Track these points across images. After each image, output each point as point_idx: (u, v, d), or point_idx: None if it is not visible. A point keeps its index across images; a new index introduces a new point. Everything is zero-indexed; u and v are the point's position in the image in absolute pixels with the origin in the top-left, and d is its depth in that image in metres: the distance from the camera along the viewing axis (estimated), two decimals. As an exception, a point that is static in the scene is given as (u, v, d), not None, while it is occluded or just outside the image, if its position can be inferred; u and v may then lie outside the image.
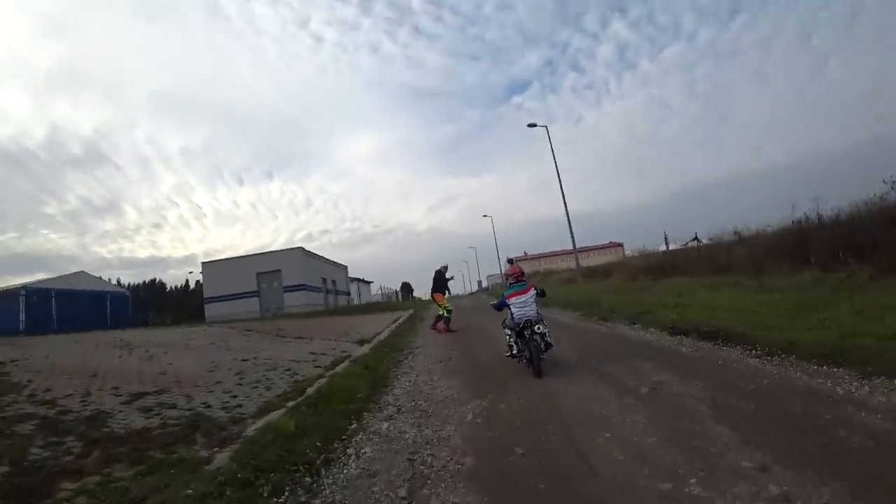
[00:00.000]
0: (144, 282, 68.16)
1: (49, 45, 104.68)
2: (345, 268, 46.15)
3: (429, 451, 3.69)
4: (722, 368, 4.89)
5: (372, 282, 62.92)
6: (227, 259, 34.33)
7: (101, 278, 42.57)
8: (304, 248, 34.53)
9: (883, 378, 3.75)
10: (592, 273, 26.66)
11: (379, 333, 13.35)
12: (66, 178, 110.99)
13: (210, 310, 32.10)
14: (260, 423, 4.77)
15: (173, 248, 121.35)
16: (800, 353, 4.70)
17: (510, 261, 8.16)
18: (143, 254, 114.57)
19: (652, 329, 7.80)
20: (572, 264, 58.32)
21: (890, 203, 9.03)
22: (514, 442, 3.65)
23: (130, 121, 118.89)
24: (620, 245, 70.42)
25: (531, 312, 6.02)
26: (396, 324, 16.77)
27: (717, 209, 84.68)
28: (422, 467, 3.42)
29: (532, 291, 6.27)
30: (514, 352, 6.11)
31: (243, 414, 5.30)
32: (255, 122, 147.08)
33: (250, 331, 16.22)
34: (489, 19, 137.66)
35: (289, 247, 32.50)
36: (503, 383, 5.64)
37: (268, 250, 36.28)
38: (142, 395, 6.49)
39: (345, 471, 3.53)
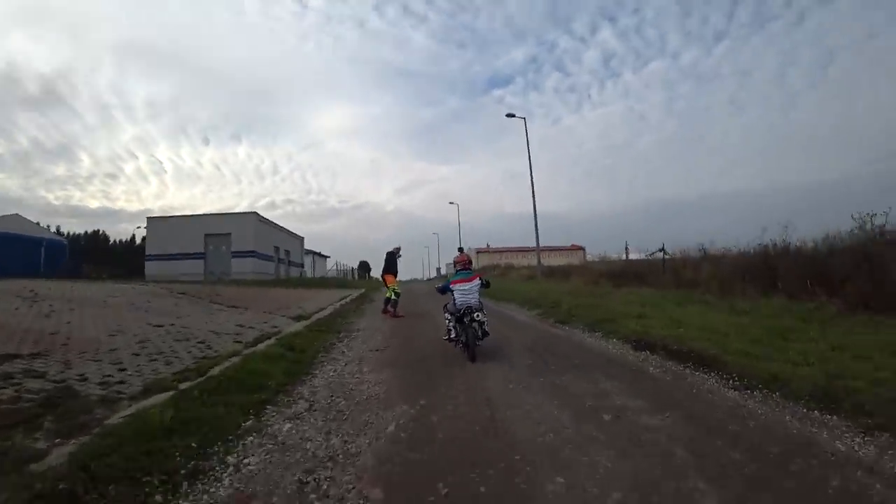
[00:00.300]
0: (86, 232, 63.57)
1: None
2: (300, 239, 44.25)
3: (328, 473, 2.91)
4: (696, 399, 4.23)
5: (329, 256, 61.09)
6: (174, 216, 31.91)
7: (38, 224, 39.41)
8: (258, 214, 32.19)
9: (888, 436, 3.17)
10: (552, 272, 26.46)
11: (321, 310, 12.44)
12: (18, 116, 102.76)
13: (151, 268, 29.92)
14: (132, 409, 3.86)
15: (127, 201, 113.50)
16: (785, 391, 4.15)
17: (460, 249, 8.61)
18: (93, 204, 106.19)
19: (614, 340, 7.17)
20: (534, 261, 58.90)
21: (861, 239, 8.85)
22: (440, 474, 2.84)
23: (94, 64, 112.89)
24: (582, 248, 71.26)
25: (473, 300, 6.19)
26: (342, 302, 15.88)
27: (683, 226, 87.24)
28: (312, 496, 2.63)
29: (476, 281, 6.43)
30: (453, 335, 6.23)
31: (121, 393, 4.35)
32: (228, 81, 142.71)
33: (183, 294, 14.93)
34: (480, 9, 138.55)
35: (245, 210, 30.73)
36: (440, 385, 4.91)
37: (220, 212, 34.19)
38: (12, 357, 5.41)
39: (212, 489, 2.71)
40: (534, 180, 26.47)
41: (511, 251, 72.18)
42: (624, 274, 16.85)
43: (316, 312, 11.79)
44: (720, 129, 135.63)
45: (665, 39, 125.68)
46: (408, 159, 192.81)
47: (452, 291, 6.40)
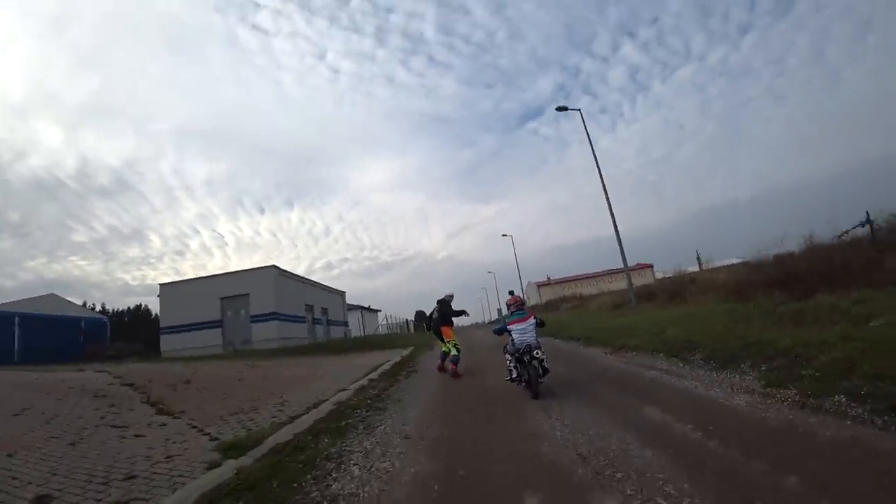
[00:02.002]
0: (129, 308, 62.40)
1: (81, 79, 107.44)
2: (341, 294, 39.56)
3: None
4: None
5: (379, 310, 56.32)
6: (188, 280, 27.93)
7: (73, 302, 37.21)
8: (278, 267, 26.83)
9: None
10: (649, 295, 19.89)
11: (316, 406, 6.92)
12: (94, 206, 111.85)
13: (167, 342, 25.85)
14: None
15: (195, 275, 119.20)
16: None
17: (510, 292, 8.91)
18: (165, 280, 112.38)
19: None
20: (605, 287, 51.64)
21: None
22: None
23: (156, 152, 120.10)
24: (650, 266, 63.45)
25: (531, 339, 6.33)
26: (369, 377, 10.33)
27: (740, 229, 77.21)
28: None
29: (531, 320, 6.56)
30: (514, 375, 6.37)
31: None
32: (275, 151, 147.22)
33: (103, 396, 9.91)
34: (501, 47, 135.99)
35: (263, 265, 26.33)
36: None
37: (235, 269, 29.95)
38: None
39: None
40: (607, 193, 20.53)
41: (575, 280, 65.12)
42: (792, 277, 10.34)
43: (298, 416, 6.25)
44: (762, 122, 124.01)
45: (689, 43, 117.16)
46: (453, 203, 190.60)
47: (510, 332, 6.50)
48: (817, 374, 4.16)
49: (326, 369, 13.02)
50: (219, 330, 25.48)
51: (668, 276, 43.58)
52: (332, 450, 4.57)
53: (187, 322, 25.53)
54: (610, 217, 20.18)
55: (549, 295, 61.37)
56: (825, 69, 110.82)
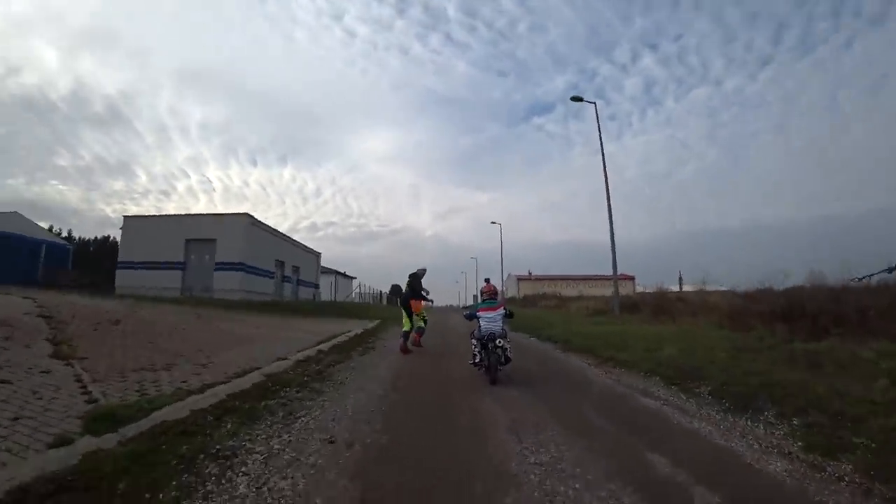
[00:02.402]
0: (96, 238, 59.78)
1: (85, 0, 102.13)
2: (316, 255, 38.03)
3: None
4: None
5: (354, 278, 54.67)
6: (155, 216, 26.14)
7: (38, 225, 34.92)
8: (251, 216, 24.65)
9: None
10: (632, 307, 19.05)
11: (241, 375, 5.76)
12: (84, 133, 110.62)
13: (122, 278, 24.17)
14: None
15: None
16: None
17: (487, 280, 9.80)
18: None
19: None
20: (586, 291, 50.88)
21: None
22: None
23: (154, 87, 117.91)
24: (632, 278, 63.08)
25: (496, 328, 6.45)
26: (319, 348, 9.23)
27: (728, 255, 77.96)
28: None
29: (501, 310, 6.74)
30: (477, 360, 6.43)
31: None
32: (277, 105, 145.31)
33: (6, 325, 8.67)
34: (521, 37, 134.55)
35: (236, 211, 24.46)
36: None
37: (206, 212, 28.06)
38: None
39: None
40: (609, 195, 19.50)
41: (555, 279, 64.31)
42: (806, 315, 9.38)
43: (197, 392, 5.08)
44: (767, 156, 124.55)
45: (708, 66, 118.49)
46: (447, 185, 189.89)
47: (479, 318, 6.66)
48: (873, 444, 3.16)
49: (277, 332, 11.88)
50: (179, 273, 23.96)
51: (647, 290, 43.23)
52: (229, 443, 3.46)
53: (148, 260, 23.94)
54: (608, 218, 19.19)
55: (528, 290, 60.60)
56: (836, 116, 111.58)
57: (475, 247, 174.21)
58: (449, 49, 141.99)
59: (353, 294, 50.41)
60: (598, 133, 20.61)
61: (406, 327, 9.42)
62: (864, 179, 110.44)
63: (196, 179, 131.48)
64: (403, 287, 9.92)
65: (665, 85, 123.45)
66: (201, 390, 4.96)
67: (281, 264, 29.15)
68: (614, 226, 19.24)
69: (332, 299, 38.50)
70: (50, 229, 44.13)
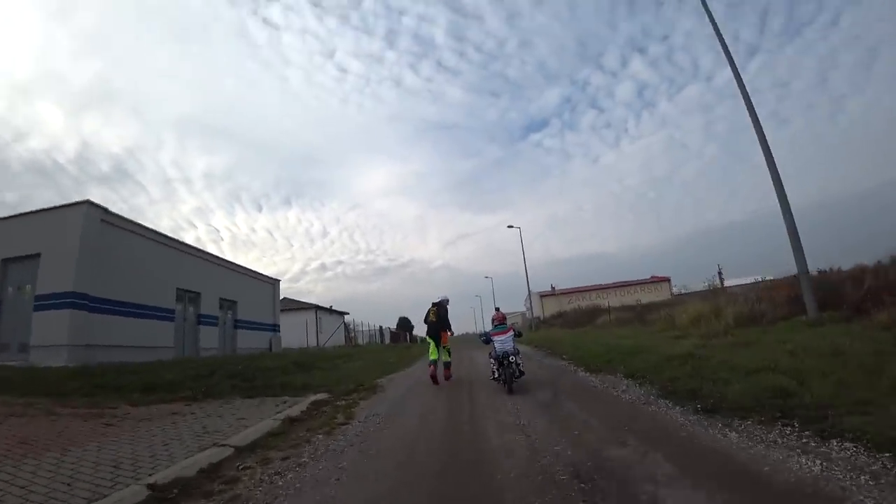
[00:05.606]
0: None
1: (85, 61, 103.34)
2: (272, 282, 26.40)
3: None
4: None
5: (347, 313, 43.13)
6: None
7: None
8: (96, 205, 13.02)
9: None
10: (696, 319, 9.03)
11: None
12: (92, 193, 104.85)
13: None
14: None
15: None
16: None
17: (497, 308, 10.03)
18: None
19: None
20: (616, 301, 40.77)
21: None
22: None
23: (157, 141, 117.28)
24: (667, 280, 53.96)
25: (509, 347, 7.79)
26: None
27: (737, 249, 71.48)
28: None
29: (510, 333, 8.11)
30: (496, 375, 7.75)
31: None
32: (277, 149, 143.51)
33: None
34: (511, 56, 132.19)
35: (68, 202, 13.02)
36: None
37: (26, 211, 13.83)
38: None
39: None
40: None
41: (581, 291, 55.13)
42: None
43: None
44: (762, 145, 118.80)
45: (697, 62, 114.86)
46: (452, 212, 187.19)
47: (493, 342, 8.04)
48: None
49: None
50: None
51: (684, 291, 33.98)
52: None
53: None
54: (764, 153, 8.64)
55: (553, 307, 51.07)
56: (829, 96, 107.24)
57: (486, 271, 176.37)
58: (441, 75, 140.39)
59: (358, 333, 39.25)
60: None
61: (433, 356, 9.27)
62: (860, 160, 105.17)
63: (203, 230, 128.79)
64: (425, 315, 9.80)
65: (657, 86, 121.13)
66: None
67: (191, 295, 17.57)
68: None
69: (314, 343, 31.11)
70: None
